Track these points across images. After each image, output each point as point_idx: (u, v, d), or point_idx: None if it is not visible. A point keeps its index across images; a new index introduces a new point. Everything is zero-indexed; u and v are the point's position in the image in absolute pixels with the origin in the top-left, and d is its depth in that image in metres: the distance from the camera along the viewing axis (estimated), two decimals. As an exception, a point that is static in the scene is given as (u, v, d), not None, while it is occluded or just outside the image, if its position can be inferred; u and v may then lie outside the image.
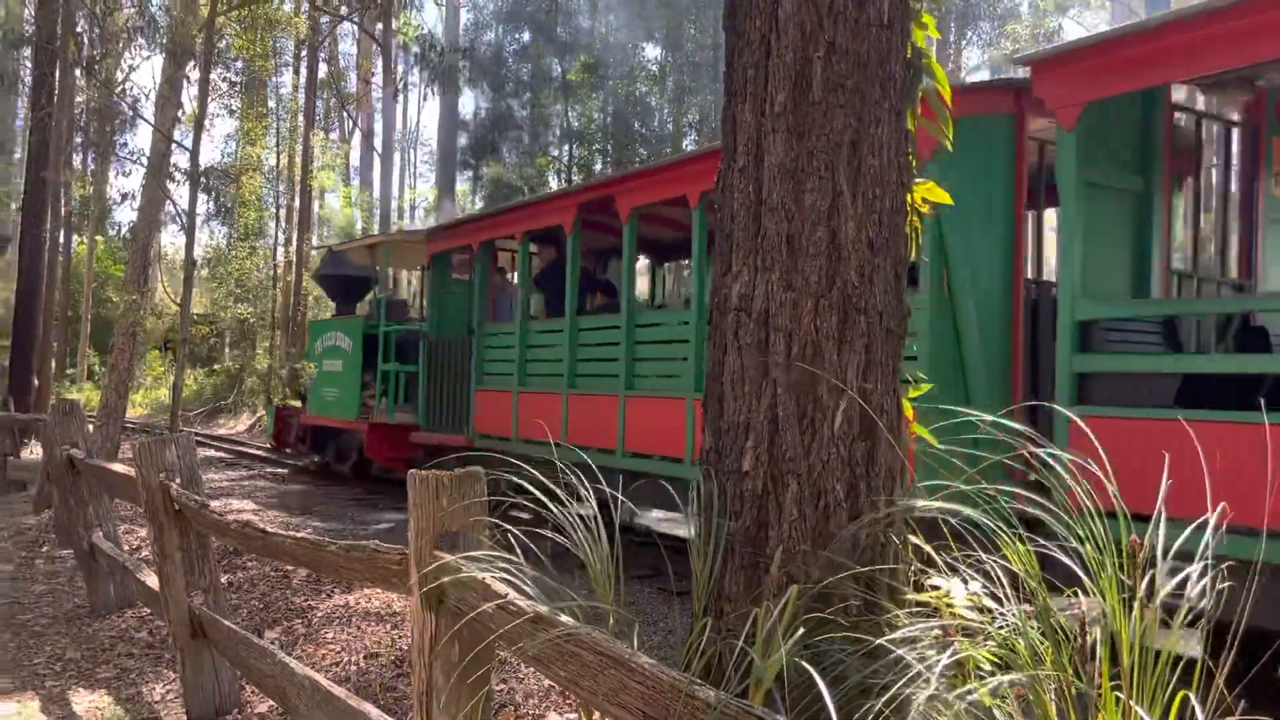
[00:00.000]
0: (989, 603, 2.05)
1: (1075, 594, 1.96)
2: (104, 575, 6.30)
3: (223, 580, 5.67)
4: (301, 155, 36.61)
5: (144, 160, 12.32)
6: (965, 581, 2.14)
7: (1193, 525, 1.93)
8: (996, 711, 1.87)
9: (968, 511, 2.10)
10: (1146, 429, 4.36)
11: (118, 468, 5.82)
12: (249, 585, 6.66)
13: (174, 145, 12.14)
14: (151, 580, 4.86)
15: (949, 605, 2.13)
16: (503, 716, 4.09)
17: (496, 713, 4.08)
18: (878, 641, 2.05)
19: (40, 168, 18.65)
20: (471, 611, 2.23)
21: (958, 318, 5.45)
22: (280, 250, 46.75)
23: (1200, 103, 5.84)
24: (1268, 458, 3.69)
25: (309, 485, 13.09)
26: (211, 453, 17.09)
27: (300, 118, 43.02)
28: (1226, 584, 1.86)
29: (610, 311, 8.67)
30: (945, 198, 2.90)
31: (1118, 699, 1.88)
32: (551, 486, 2.47)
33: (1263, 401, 3.37)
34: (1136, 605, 1.87)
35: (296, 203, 44.38)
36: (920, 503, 2.26)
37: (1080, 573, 1.94)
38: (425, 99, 52.23)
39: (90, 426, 10.00)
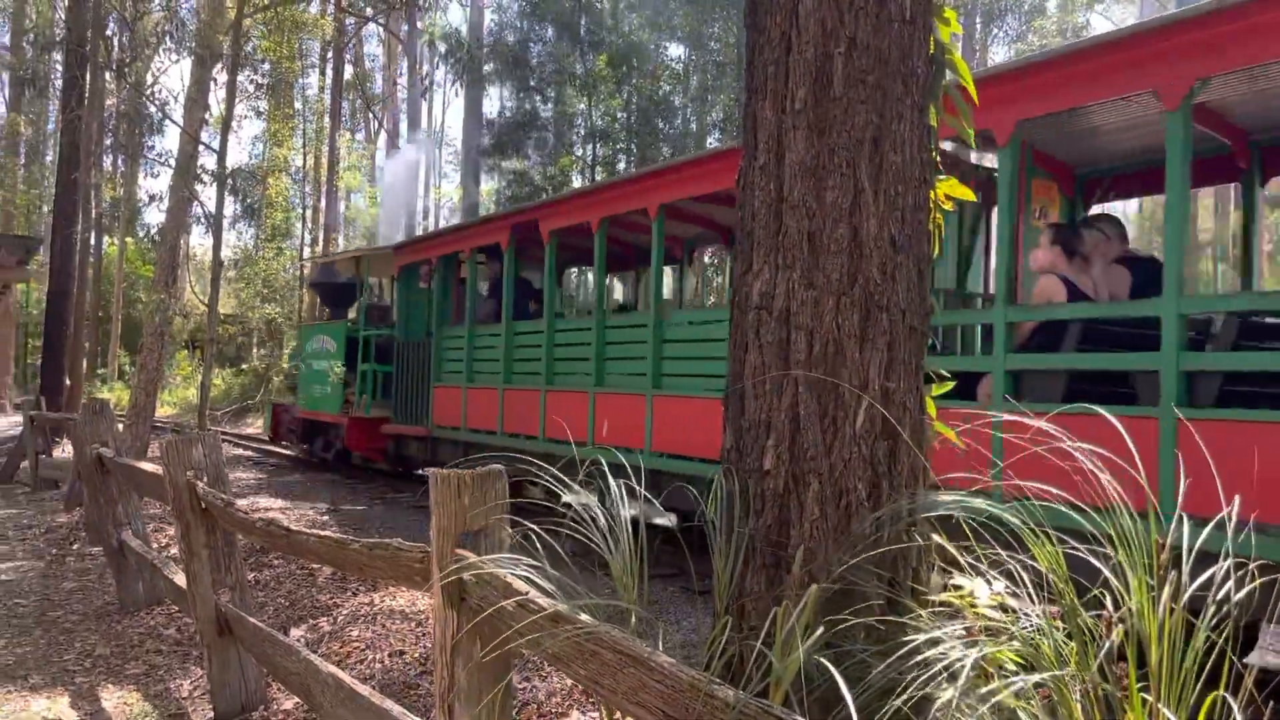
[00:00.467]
0: (1012, 602, 2.03)
1: (1102, 593, 1.93)
2: (133, 573, 6.37)
3: (249, 578, 5.72)
4: (328, 156, 36.86)
5: (172, 162, 12.48)
6: (989, 581, 2.12)
7: (1211, 523, 1.91)
8: (1021, 712, 1.85)
9: (992, 509, 2.08)
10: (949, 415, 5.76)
11: (146, 466, 5.88)
12: (275, 583, 6.72)
13: (201, 147, 12.26)
14: (179, 578, 4.91)
15: (972, 605, 2.11)
16: (525, 714, 4.10)
17: (519, 710, 4.10)
18: (899, 640, 2.03)
19: (71, 170, 18.88)
20: (492, 609, 2.24)
21: None
22: (307, 250, 47.09)
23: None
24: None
25: (337, 479, 13.18)
26: (239, 451, 17.24)
27: (326, 119, 43.37)
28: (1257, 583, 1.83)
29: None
30: (969, 195, 2.87)
31: (1144, 700, 1.86)
32: (572, 484, 2.47)
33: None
34: (1163, 604, 1.84)
35: (323, 203, 44.73)
36: (943, 498, 2.24)
37: (1106, 572, 1.92)
38: (450, 99, 52.47)
39: (120, 426, 10.12)
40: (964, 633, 2.04)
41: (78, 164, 18.88)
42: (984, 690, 1.86)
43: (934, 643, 2.01)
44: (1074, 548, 1.99)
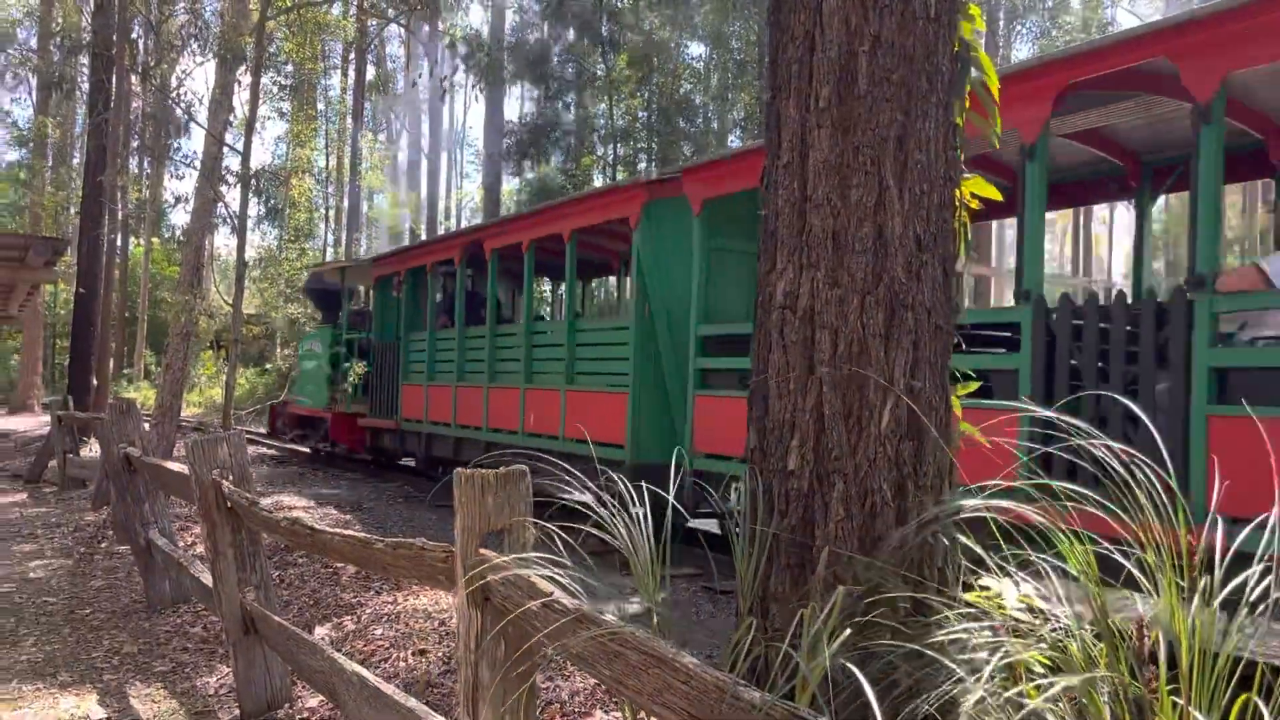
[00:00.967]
0: (1041, 604, 2.01)
1: (1132, 595, 1.91)
2: (160, 571, 6.42)
3: (273, 576, 5.75)
4: (350, 157, 37.05)
5: (197, 163, 12.56)
6: (1016, 582, 2.10)
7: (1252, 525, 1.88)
8: (1049, 715, 1.83)
9: (1020, 509, 2.06)
10: (724, 404, 7.23)
11: (172, 466, 5.93)
12: (299, 581, 6.76)
13: (226, 148, 12.34)
14: (205, 576, 4.95)
15: (1000, 606, 2.09)
16: (548, 713, 4.11)
17: (542, 710, 4.10)
18: (926, 643, 2.02)
19: (98, 172, 19.08)
20: (516, 609, 2.24)
21: (661, 337, 8.19)
22: (330, 251, 47.39)
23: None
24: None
25: (360, 477, 13.26)
26: (264, 450, 17.37)
27: (348, 119, 43.59)
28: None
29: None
30: (995, 193, 2.85)
31: (1175, 703, 1.84)
32: (594, 488, 2.47)
33: None
34: (1195, 606, 1.82)
35: (345, 204, 44.96)
36: (970, 502, 2.22)
37: (1136, 573, 1.89)
38: (472, 100, 52.63)
39: (146, 425, 10.20)
40: (991, 634, 2.02)
41: (104, 166, 19.07)
42: (1010, 693, 1.84)
43: (961, 644, 2.00)
44: (1104, 548, 1.97)
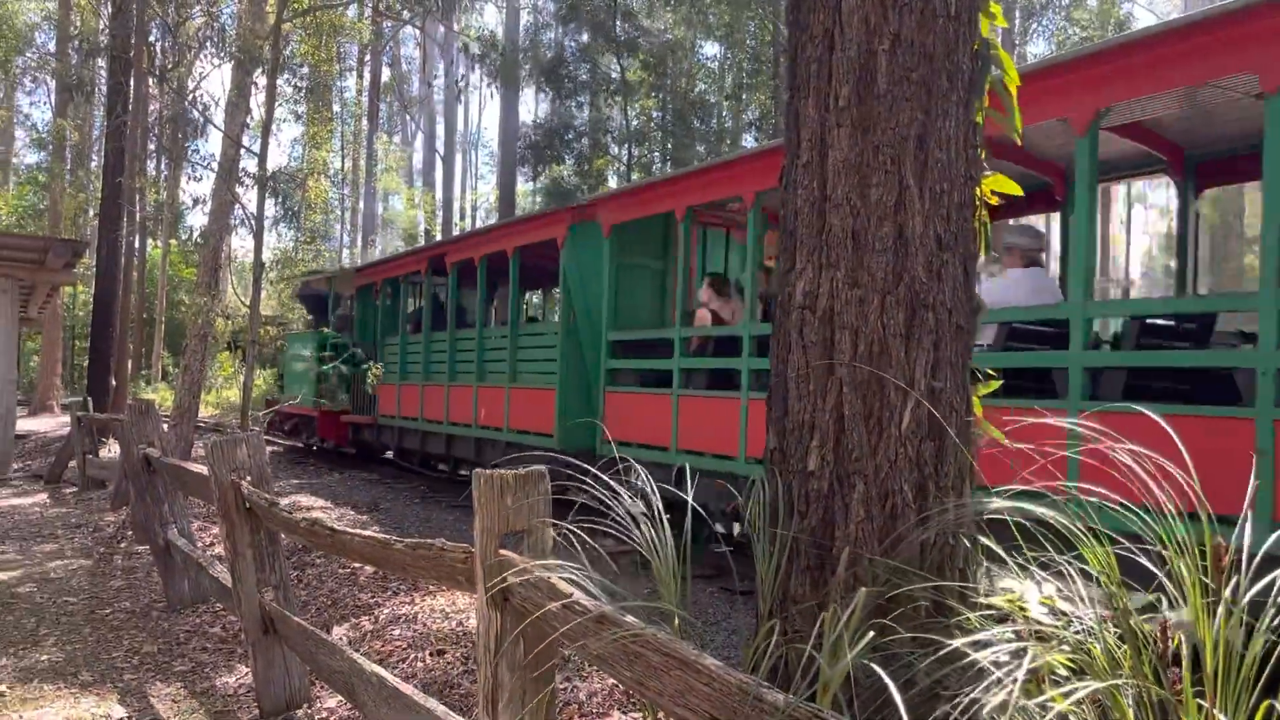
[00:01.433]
0: (1064, 606, 2.00)
1: (1157, 598, 1.90)
2: (179, 571, 6.46)
3: (292, 576, 5.78)
4: (365, 158, 37.16)
5: (214, 166, 12.61)
6: (1039, 584, 2.09)
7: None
8: (1072, 718, 1.82)
9: (1041, 511, 2.05)
10: (627, 399, 8.65)
11: (192, 466, 5.96)
12: (317, 582, 6.78)
13: (243, 150, 12.40)
14: (224, 576, 4.97)
15: (1022, 608, 2.08)
16: (566, 714, 4.11)
17: (560, 710, 4.10)
18: (948, 645, 2.01)
19: (116, 174, 19.20)
20: (537, 610, 2.24)
21: (583, 342, 9.30)
22: (346, 253, 47.54)
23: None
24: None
25: (377, 477, 13.31)
26: (272, 448, 17.49)
27: (364, 121, 43.74)
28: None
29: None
30: (1016, 189, 2.83)
31: (1200, 706, 1.82)
32: (615, 486, 2.47)
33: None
34: (1220, 609, 1.80)
35: (361, 206, 45.09)
36: (992, 503, 2.21)
37: (1161, 575, 1.88)
38: (486, 101, 52.75)
39: (165, 426, 10.27)
40: (1013, 637, 2.01)
41: (123, 168, 19.20)
42: (1036, 698, 1.83)
43: (982, 647, 1.99)
44: (1127, 550, 1.95)
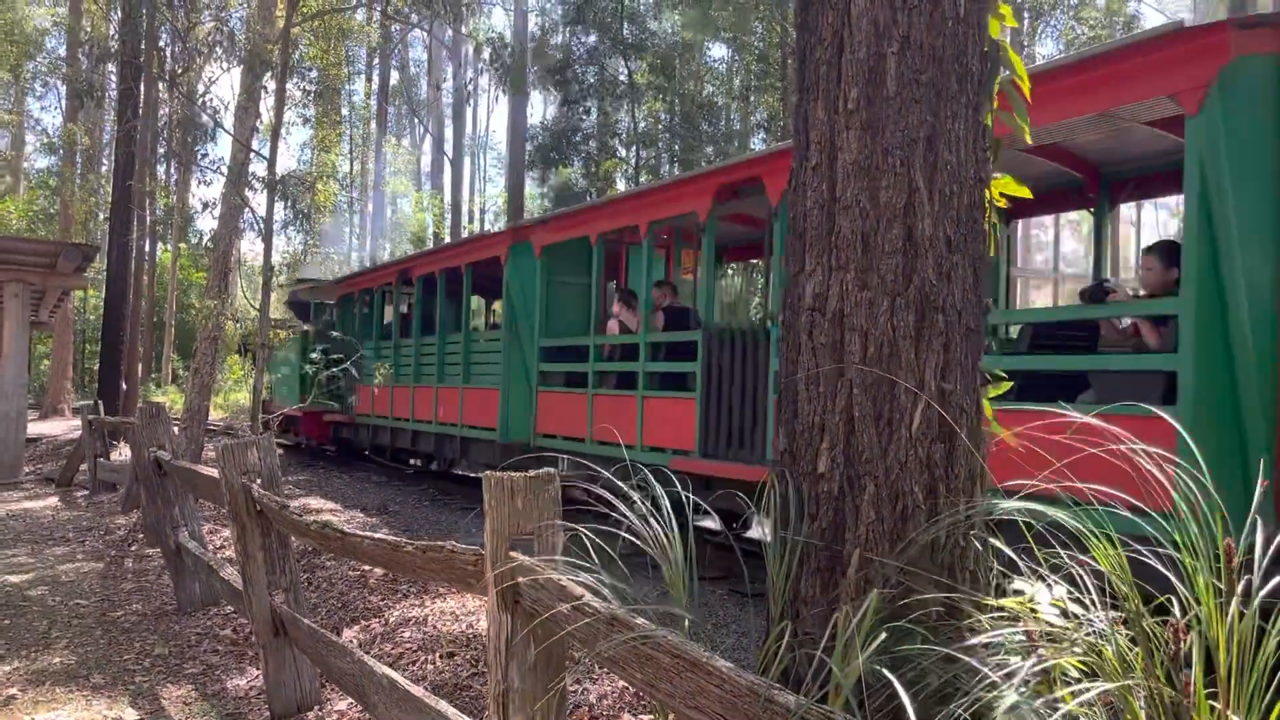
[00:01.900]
0: (1075, 608, 1.99)
1: (1168, 599, 1.89)
2: (189, 574, 6.48)
3: (302, 579, 5.79)
4: (374, 161, 37.22)
5: (224, 169, 12.65)
6: (1050, 586, 2.08)
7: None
8: (1083, 719, 1.81)
9: (1052, 513, 2.04)
10: (555, 397, 9.91)
11: (203, 469, 5.98)
12: (327, 584, 6.80)
13: (252, 154, 12.44)
14: (235, 579, 4.99)
15: (1033, 610, 2.07)
16: (576, 716, 4.11)
17: (570, 713, 4.10)
18: (958, 646, 2.00)
19: (126, 178, 19.28)
20: (547, 612, 2.24)
21: (522, 348, 10.54)
22: (354, 256, 47.59)
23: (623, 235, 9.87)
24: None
25: (385, 480, 13.35)
26: (283, 452, 17.52)
27: (373, 125, 43.82)
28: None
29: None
30: (1025, 192, 2.83)
31: (1213, 708, 1.82)
32: (624, 487, 2.47)
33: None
34: (1233, 609, 1.80)
35: (370, 208, 45.13)
36: (1002, 504, 2.21)
37: (1172, 577, 1.87)
38: (494, 104, 52.86)
39: (175, 429, 10.30)
40: (1025, 639, 2.01)
41: (133, 173, 19.29)
42: (1044, 699, 1.82)
43: (994, 649, 1.99)
44: (1138, 551, 1.95)
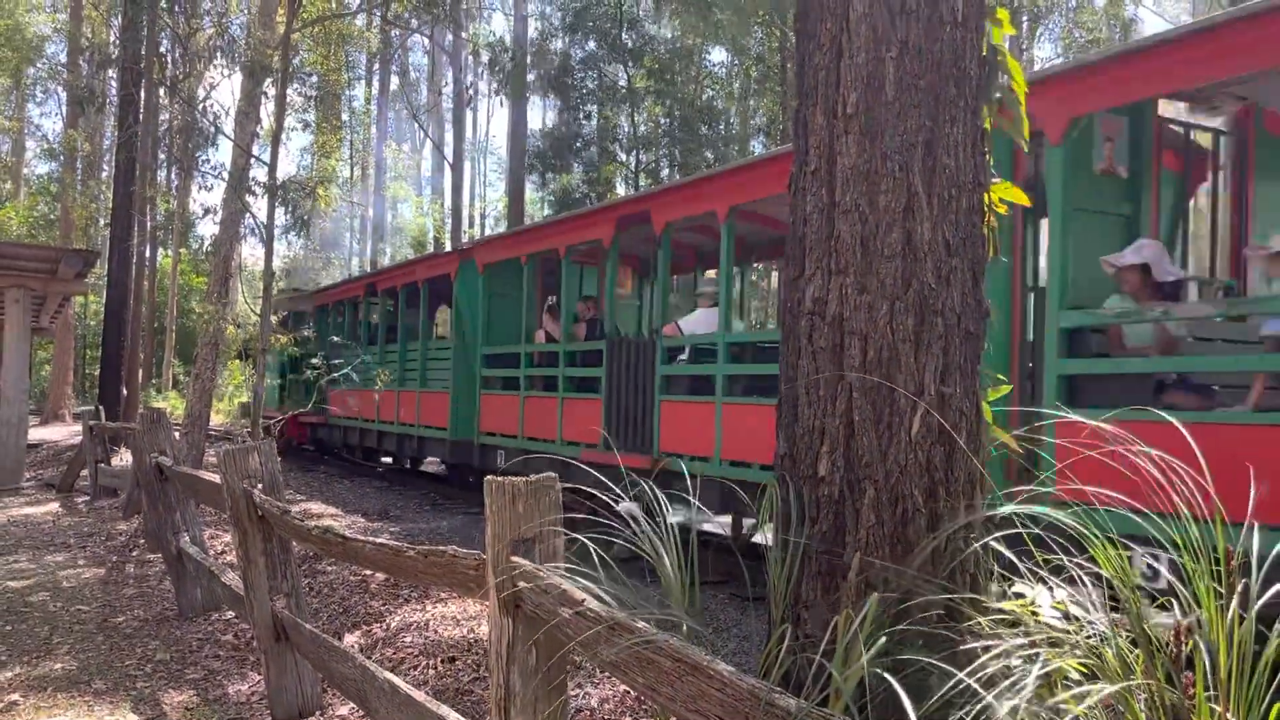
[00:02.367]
0: (1076, 611, 2.00)
1: (1169, 602, 1.90)
2: (191, 579, 6.48)
3: (304, 584, 5.79)
4: (374, 166, 37.24)
5: (224, 175, 12.66)
6: (1050, 589, 2.09)
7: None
8: (1085, 722, 1.82)
9: (1052, 516, 2.05)
10: (495, 399, 11.16)
11: (203, 475, 5.99)
12: (328, 589, 6.80)
13: (253, 159, 12.45)
14: (236, 584, 4.99)
15: (1034, 613, 2.08)
16: (578, 721, 4.11)
17: (572, 717, 4.10)
18: (959, 650, 2.01)
19: (127, 184, 19.29)
20: (548, 617, 2.25)
21: (469, 355, 11.70)
22: (355, 260, 47.63)
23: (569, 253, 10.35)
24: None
25: (386, 484, 13.37)
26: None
27: (373, 129, 43.84)
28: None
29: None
30: (1023, 198, 2.84)
31: (1213, 710, 1.82)
32: (619, 491, 2.48)
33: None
34: (1232, 612, 1.80)
35: (370, 213, 45.16)
36: (1004, 509, 2.21)
37: (1173, 579, 1.88)
38: (495, 109, 52.92)
39: (176, 434, 10.31)
40: (1026, 642, 2.01)
41: (133, 178, 19.30)
42: (1049, 702, 1.83)
43: (995, 652, 1.99)
44: (1139, 554, 1.95)
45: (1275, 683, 1.80)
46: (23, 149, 40.98)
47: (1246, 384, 4.78)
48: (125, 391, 20.40)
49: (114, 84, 24.50)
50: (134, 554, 8.66)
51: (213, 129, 12.50)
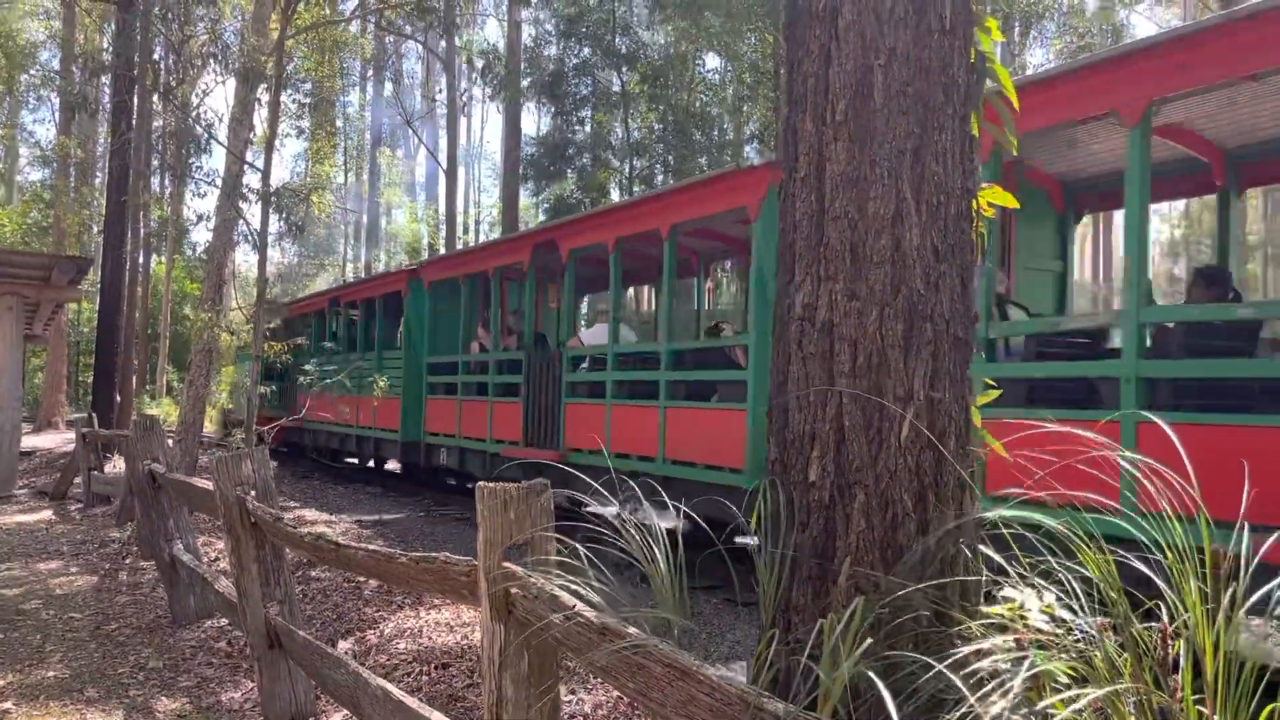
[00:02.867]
0: (1064, 614, 2.01)
1: (1156, 605, 1.91)
2: (184, 586, 6.47)
3: (297, 591, 5.79)
4: (368, 172, 37.23)
5: (218, 182, 12.66)
6: (1039, 592, 2.10)
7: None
8: (1073, 725, 1.83)
9: (1041, 519, 2.06)
10: (439, 403, 12.82)
11: (197, 482, 5.98)
12: (322, 596, 6.79)
13: (246, 166, 12.45)
14: (230, 591, 4.99)
15: (1022, 617, 2.09)
16: (572, 727, 4.11)
17: (565, 723, 4.10)
18: (948, 653, 2.02)
19: (120, 191, 19.26)
20: (539, 622, 2.25)
21: (417, 364, 13.24)
22: (349, 266, 47.59)
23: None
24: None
25: (381, 490, 13.37)
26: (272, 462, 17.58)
27: (367, 135, 43.83)
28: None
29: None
30: (1012, 202, 2.86)
31: (1201, 713, 1.83)
32: (610, 496, 2.49)
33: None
34: (1220, 615, 1.81)
35: (364, 219, 45.13)
36: (992, 514, 2.22)
37: (1160, 582, 1.89)
38: (489, 115, 52.93)
39: (170, 441, 10.29)
40: (1014, 645, 2.02)
41: (127, 185, 19.26)
42: (1037, 705, 1.84)
43: (984, 655, 2.00)
44: (1125, 557, 1.96)
45: (1263, 684, 1.82)
46: (16, 155, 40.92)
47: None
48: (118, 398, 20.35)
49: (107, 90, 24.50)
50: (127, 561, 8.64)
51: (206, 135, 12.50)
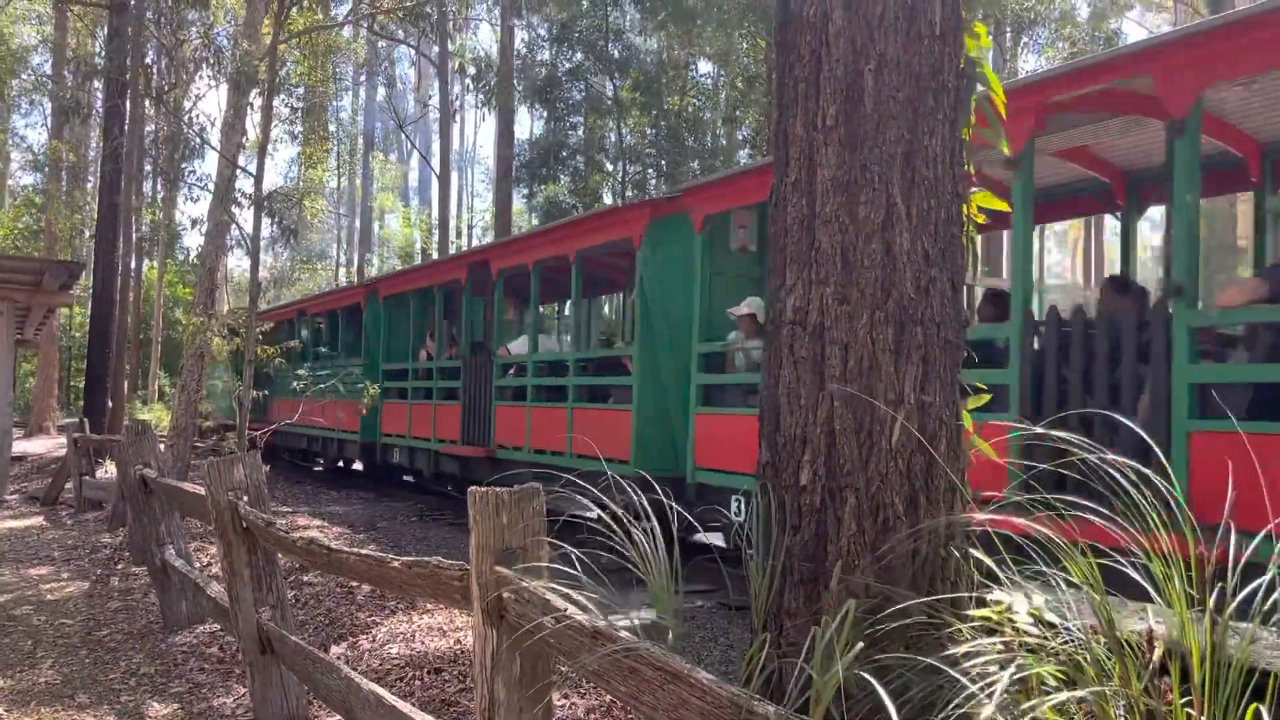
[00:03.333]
0: (1052, 617, 2.02)
1: (1144, 608, 1.92)
2: (176, 592, 6.45)
3: (289, 596, 5.77)
4: (361, 177, 37.20)
5: (210, 186, 12.65)
6: (1028, 595, 2.11)
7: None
8: (1061, 727, 1.84)
9: (1028, 524, 2.07)
10: (394, 407, 13.93)
11: (188, 487, 5.96)
12: (314, 601, 6.78)
13: (239, 171, 12.43)
14: (222, 597, 4.97)
15: (1011, 620, 2.10)
16: (564, 731, 4.11)
17: (558, 727, 4.10)
18: (939, 656, 2.03)
19: (112, 195, 19.23)
20: (531, 626, 2.25)
21: (375, 370, 14.31)
22: (342, 271, 47.52)
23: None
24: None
25: (375, 498, 13.35)
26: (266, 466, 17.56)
27: (360, 140, 43.81)
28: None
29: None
30: (1003, 206, 2.87)
31: (1188, 714, 1.84)
32: (608, 502, 2.49)
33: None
34: (1206, 617, 1.83)
35: (357, 224, 45.09)
36: (981, 516, 2.23)
37: (1147, 585, 1.90)
38: (482, 119, 52.96)
39: (161, 446, 10.26)
40: (1003, 648, 2.03)
41: (119, 189, 19.24)
42: (1023, 707, 1.85)
43: (973, 658, 2.01)
44: (1115, 562, 1.98)
45: (1250, 685, 1.83)
46: (7, 160, 40.81)
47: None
48: (110, 403, 20.31)
49: (99, 95, 24.43)
50: (119, 567, 8.61)
51: (198, 140, 12.49)
